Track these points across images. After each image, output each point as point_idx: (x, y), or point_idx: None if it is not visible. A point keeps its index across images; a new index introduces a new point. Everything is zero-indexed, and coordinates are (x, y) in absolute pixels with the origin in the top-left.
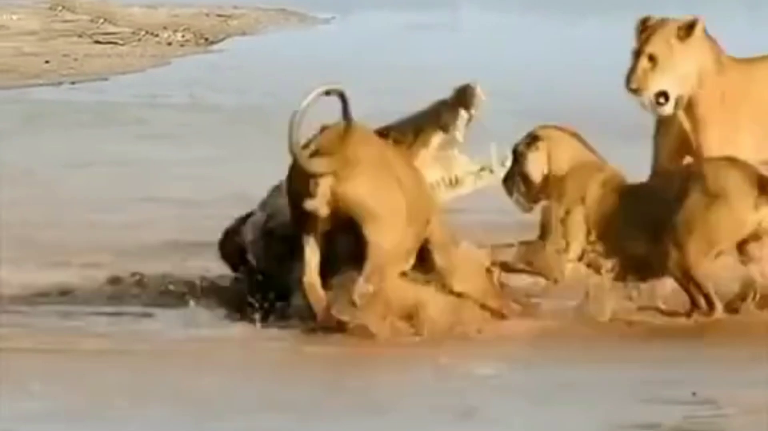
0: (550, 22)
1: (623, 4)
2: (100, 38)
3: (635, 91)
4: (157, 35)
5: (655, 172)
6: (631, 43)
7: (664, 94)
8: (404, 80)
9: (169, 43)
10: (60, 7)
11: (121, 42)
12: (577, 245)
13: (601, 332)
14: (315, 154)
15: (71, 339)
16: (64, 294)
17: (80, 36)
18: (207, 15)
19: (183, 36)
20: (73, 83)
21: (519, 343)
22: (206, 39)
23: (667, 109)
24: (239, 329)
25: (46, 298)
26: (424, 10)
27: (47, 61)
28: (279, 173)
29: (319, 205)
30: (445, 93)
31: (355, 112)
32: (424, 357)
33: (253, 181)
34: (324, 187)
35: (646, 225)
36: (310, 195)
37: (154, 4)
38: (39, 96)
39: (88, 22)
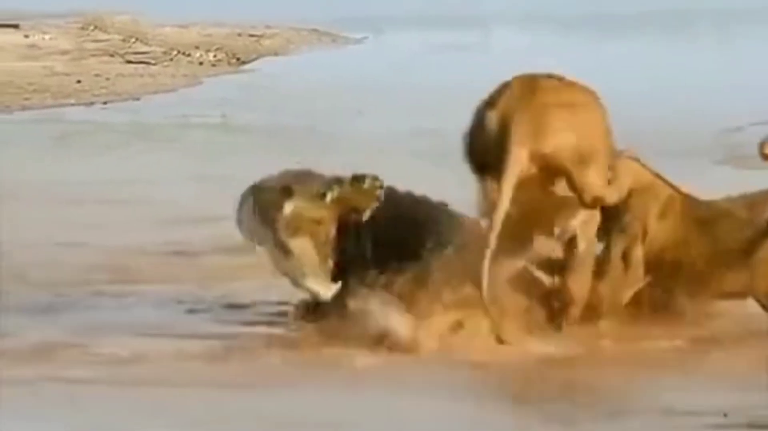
0: (582, 42)
1: (654, 25)
2: (132, 58)
3: None
4: (189, 55)
5: (737, 196)
6: (662, 62)
7: None
8: (435, 100)
9: (201, 63)
10: (92, 27)
11: (153, 62)
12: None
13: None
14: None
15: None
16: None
17: (112, 56)
18: (239, 35)
19: (215, 56)
20: (105, 103)
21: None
22: (238, 59)
23: None
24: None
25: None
26: (455, 30)
27: (79, 81)
28: None
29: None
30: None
31: (388, 131)
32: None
33: None
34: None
35: (729, 253)
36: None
37: (186, 23)
38: (71, 116)
39: (120, 42)
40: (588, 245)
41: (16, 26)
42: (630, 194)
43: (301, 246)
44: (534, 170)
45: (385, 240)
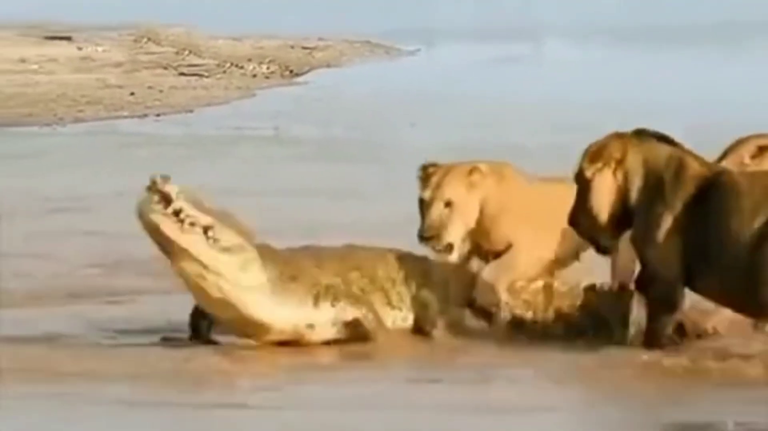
0: (635, 55)
1: (708, 37)
2: (185, 70)
3: None
4: (242, 67)
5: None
6: (713, 76)
7: None
8: (488, 113)
9: (254, 75)
10: (145, 39)
11: (206, 74)
12: None
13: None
14: None
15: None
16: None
17: (165, 68)
18: (292, 47)
19: (268, 68)
20: (158, 115)
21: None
22: (291, 71)
23: None
24: None
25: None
26: (508, 43)
27: (132, 93)
28: (360, 204)
29: None
30: (528, 126)
31: (439, 144)
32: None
33: (336, 212)
34: None
35: None
36: None
37: (239, 36)
38: (124, 128)
39: (173, 54)
40: None
41: (68, 38)
42: None
43: None
44: None
45: None
